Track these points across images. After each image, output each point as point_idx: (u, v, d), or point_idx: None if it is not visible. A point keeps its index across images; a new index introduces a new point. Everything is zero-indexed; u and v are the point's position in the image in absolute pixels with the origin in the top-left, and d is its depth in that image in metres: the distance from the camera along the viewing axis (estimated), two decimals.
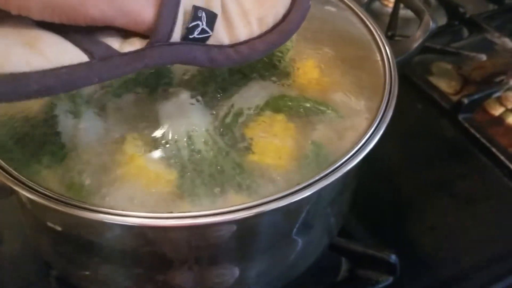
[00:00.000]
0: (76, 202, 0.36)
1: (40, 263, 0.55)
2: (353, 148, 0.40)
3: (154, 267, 0.41)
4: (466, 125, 0.69)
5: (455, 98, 0.73)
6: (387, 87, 0.44)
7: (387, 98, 0.43)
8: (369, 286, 0.54)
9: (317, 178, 0.38)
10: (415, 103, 0.74)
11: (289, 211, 0.40)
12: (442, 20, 0.87)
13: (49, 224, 0.40)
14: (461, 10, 0.85)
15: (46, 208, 0.36)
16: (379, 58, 0.48)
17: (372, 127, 0.41)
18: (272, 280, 0.46)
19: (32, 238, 0.46)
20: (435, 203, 0.63)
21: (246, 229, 0.39)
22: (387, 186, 0.64)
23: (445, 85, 0.78)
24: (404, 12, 0.84)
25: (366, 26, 0.51)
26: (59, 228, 0.40)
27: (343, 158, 0.40)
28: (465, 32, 0.85)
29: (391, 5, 0.90)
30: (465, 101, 0.70)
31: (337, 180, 0.39)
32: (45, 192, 0.36)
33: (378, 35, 0.49)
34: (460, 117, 0.70)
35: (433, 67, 0.82)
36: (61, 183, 0.39)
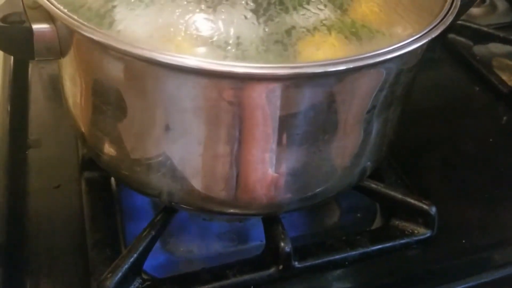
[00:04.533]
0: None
1: (74, 166, 0.55)
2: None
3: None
4: None
5: None
6: None
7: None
8: (404, 237, 0.51)
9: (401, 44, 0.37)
10: (472, 85, 0.72)
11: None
12: (508, 17, 0.85)
13: (98, 81, 0.40)
14: None
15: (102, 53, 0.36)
16: None
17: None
18: (307, 188, 0.44)
19: (73, 109, 0.46)
20: (482, 176, 0.60)
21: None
22: (435, 153, 0.62)
23: (506, 78, 0.76)
24: None
25: None
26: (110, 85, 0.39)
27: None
28: None
29: None
30: None
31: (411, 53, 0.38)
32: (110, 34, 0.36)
33: None
34: None
35: (494, 61, 0.80)
36: None
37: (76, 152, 0.56)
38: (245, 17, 0.39)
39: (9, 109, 0.62)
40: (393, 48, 0.37)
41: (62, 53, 0.41)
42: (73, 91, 0.44)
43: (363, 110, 0.41)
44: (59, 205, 0.53)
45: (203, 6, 0.39)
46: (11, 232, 0.50)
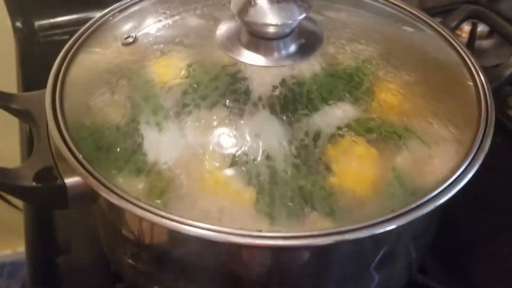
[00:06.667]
0: (159, 210, 0.35)
1: (107, 274, 0.54)
2: (449, 177, 0.38)
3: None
4: None
5: None
6: (483, 115, 0.42)
7: (484, 126, 0.41)
8: None
9: (412, 206, 0.36)
10: (493, 137, 0.70)
11: (374, 241, 0.38)
12: None
13: (127, 233, 0.40)
14: None
15: (128, 215, 0.35)
16: (471, 84, 0.45)
17: (469, 157, 0.39)
18: None
19: (107, 248, 0.45)
20: None
21: (327, 256, 0.38)
22: (464, 223, 0.61)
23: None
24: (478, 43, 0.81)
25: (455, 50, 0.48)
26: (136, 238, 0.39)
27: (439, 188, 0.38)
28: None
29: (464, 35, 0.87)
30: None
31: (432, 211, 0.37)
32: (130, 199, 0.36)
33: (470, 59, 0.47)
34: None
35: (510, 100, 0.79)
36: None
37: (107, 261, 0.55)
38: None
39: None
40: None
41: (94, 201, 0.41)
42: (105, 233, 0.44)
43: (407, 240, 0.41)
44: None
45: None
46: None
